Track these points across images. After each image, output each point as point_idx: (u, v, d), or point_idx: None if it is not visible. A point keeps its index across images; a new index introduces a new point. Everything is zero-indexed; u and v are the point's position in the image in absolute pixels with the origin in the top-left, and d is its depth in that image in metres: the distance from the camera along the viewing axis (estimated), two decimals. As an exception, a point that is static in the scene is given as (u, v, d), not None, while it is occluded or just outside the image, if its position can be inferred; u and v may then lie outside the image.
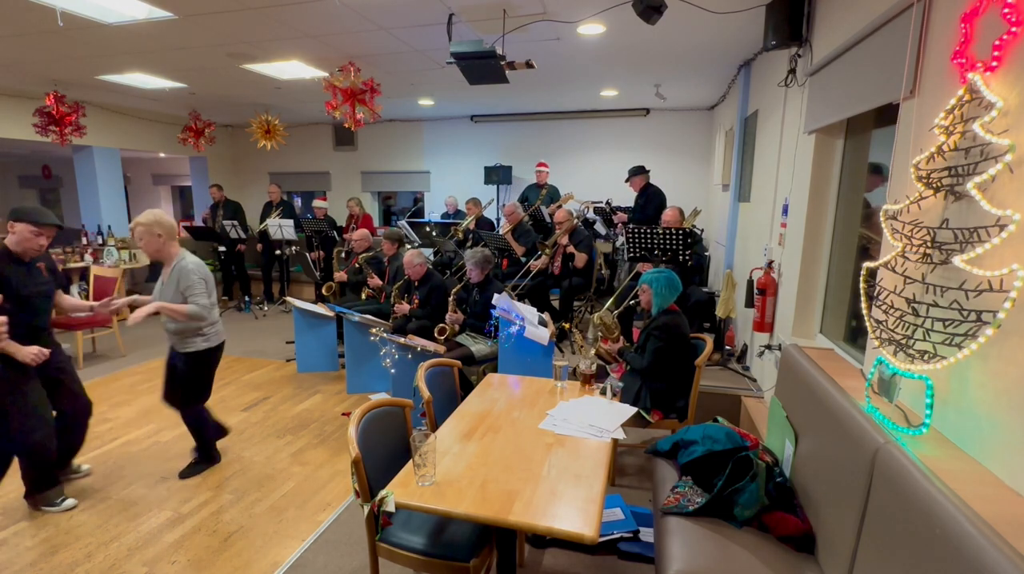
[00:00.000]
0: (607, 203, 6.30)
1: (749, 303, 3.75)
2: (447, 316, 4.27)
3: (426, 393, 2.34)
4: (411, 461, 1.76)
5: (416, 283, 4.57)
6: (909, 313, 1.64)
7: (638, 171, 5.69)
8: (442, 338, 4.20)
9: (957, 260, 1.42)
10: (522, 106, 7.68)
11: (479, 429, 2.14)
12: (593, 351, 3.48)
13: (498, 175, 7.79)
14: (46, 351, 2.65)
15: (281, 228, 7.05)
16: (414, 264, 4.46)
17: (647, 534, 2.56)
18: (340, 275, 5.59)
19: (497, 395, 2.53)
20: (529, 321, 3.56)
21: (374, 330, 4.10)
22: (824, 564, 1.74)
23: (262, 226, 7.37)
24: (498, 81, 3.88)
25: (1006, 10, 1.35)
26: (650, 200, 5.61)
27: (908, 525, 1.29)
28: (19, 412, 2.64)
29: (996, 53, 1.40)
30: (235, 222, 7.26)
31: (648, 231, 4.31)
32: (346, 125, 4.94)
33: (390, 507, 1.64)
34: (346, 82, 4.70)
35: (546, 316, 3.64)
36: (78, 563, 2.45)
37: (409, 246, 5.95)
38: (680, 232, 4.21)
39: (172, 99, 6.89)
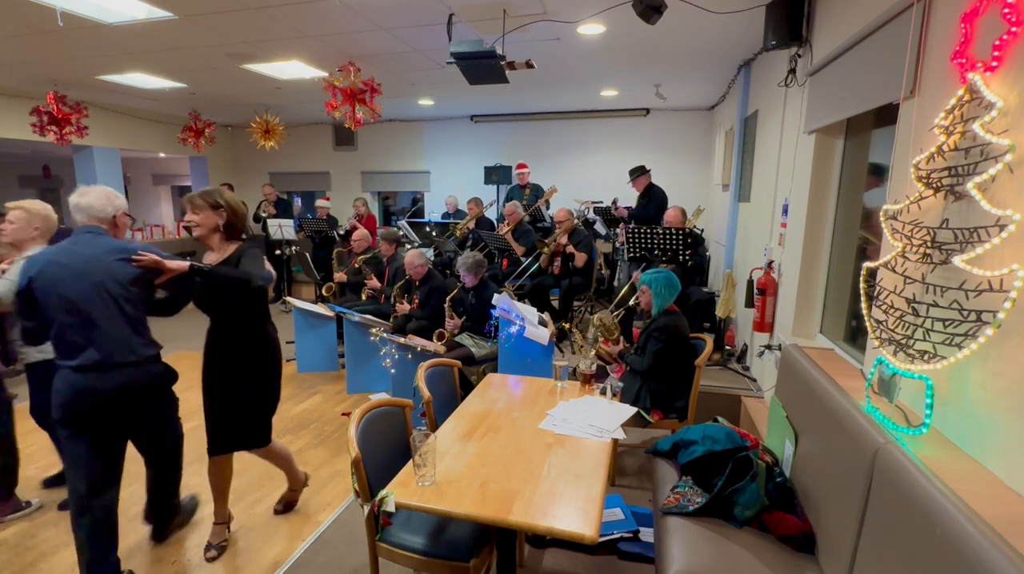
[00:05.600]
0: (613, 201, 6.26)
1: (749, 303, 3.75)
2: (446, 322, 4.26)
3: (426, 393, 2.34)
4: (411, 461, 1.76)
5: (417, 283, 4.57)
6: (909, 313, 1.64)
7: (641, 171, 5.68)
8: (441, 341, 4.20)
9: (957, 260, 1.42)
10: (522, 106, 7.68)
11: (479, 429, 2.14)
12: (593, 351, 3.48)
13: (498, 175, 7.79)
14: None
15: (281, 228, 7.05)
16: (415, 264, 4.45)
17: (647, 534, 2.56)
18: (340, 275, 5.59)
19: (497, 395, 2.53)
20: (529, 321, 3.56)
21: (374, 330, 4.10)
22: (824, 564, 1.74)
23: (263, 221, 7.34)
24: (498, 81, 3.88)
25: (1006, 10, 1.35)
26: (652, 200, 5.60)
27: (908, 525, 1.29)
28: None
29: (996, 53, 1.40)
30: None
31: (648, 231, 4.31)
32: (346, 125, 4.94)
33: (390, 507, 1.64)
34: (346, 82, 4.70)
35: (546, 316, 3.64)
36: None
37: (410, 246, 5.96)
38: (680, 232, 4.21)
39: (172, 99, 6.89)
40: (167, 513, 2.61)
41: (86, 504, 2.07)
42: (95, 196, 2.14)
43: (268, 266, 2.38)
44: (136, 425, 2.23)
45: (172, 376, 2.33)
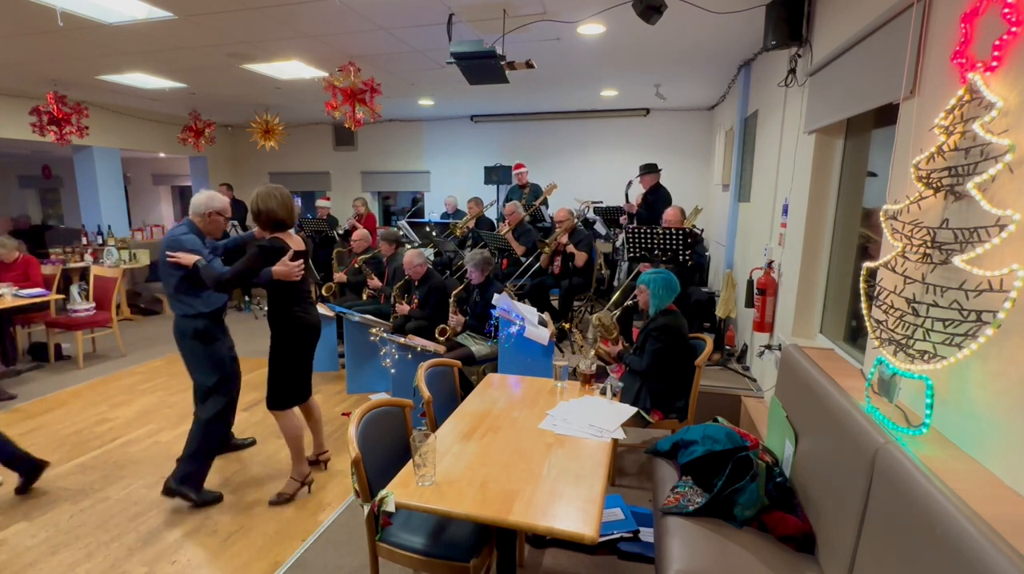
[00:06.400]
0: (625, 191, 6.17)
1: (749, 303, 3.75)
2: (449, 317, 4.27)
3: (426, 393, 2.34)
4: (411, 461, 1.76)
5: (416, 283, 4.57)
6: (909, 313, 1.64)
7: (652, 169, 5.64)
8: (443, 339, 4.20)
9: (957, 260, 1.42)
10: (522, 106, 7.68)
11: (479, 429, 2.14)
12: (593, 351, 3.48)
13: (498, 175, 7.79)
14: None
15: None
16: (414, 264, 4.45)
17: (647, 534, 2.56)
18: (340, 275, 5.59)
19: (497, 395, 2.53)
20: (529, 321, 3.56)
21: (374, 330, 4.10)
22: (824, 564, 1.74)
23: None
24: (498, 81, 3.89)
25: (1006, 10, 1.35)
26: (660, 200, 5.55)
27: (908, 525, 1.29)
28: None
29: (996, 53, 1.40)
30: (235, 222, 7.26)
31: (648, 231, 4.31)
32: (346, 125, 4.94)
33: (390, 507, 1.63)
34: (346, 82, 4.70)
35: (546, 316, 3.64)
36: (78, 563, 2.45)
37: (410, 246, 5.95)
38: (680, 232, 4.21)
39: (172, 99, 6.89)
40: (185, 466, 2.87)
41: None
42: (202, 196, 2.84)
43: (280, 265, 2.69)
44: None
45: (200, 332, 2.84)
